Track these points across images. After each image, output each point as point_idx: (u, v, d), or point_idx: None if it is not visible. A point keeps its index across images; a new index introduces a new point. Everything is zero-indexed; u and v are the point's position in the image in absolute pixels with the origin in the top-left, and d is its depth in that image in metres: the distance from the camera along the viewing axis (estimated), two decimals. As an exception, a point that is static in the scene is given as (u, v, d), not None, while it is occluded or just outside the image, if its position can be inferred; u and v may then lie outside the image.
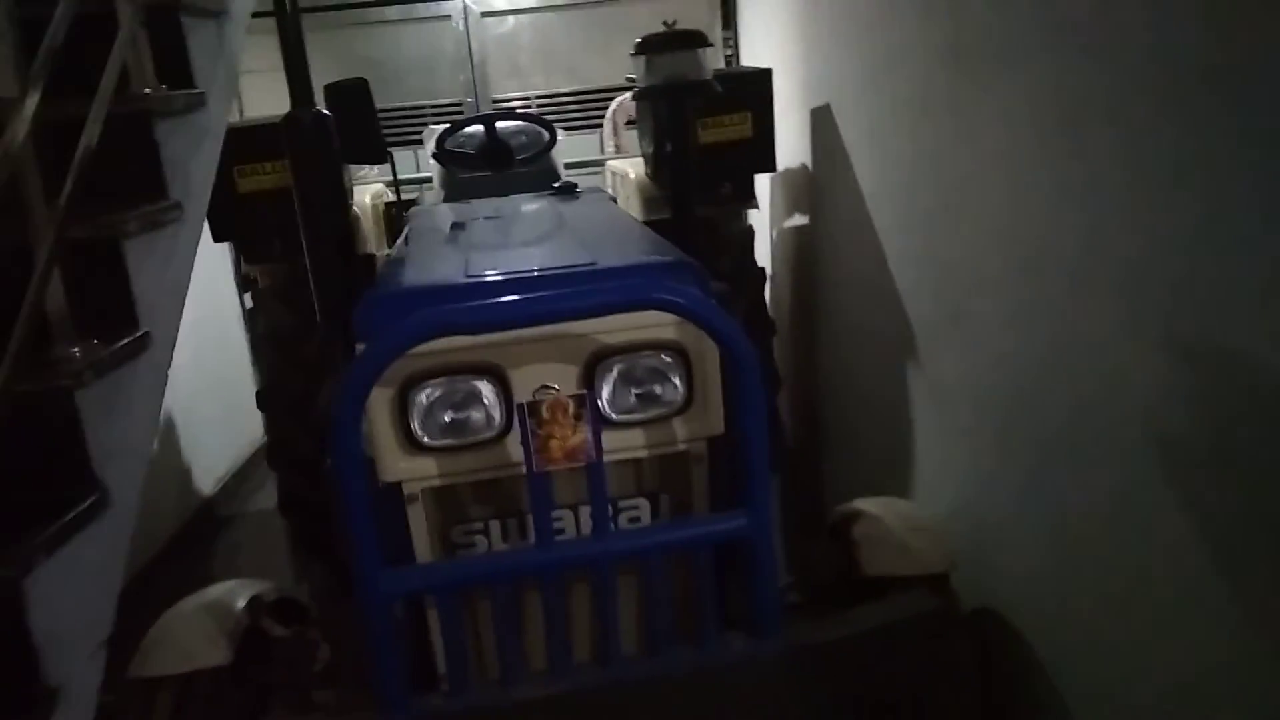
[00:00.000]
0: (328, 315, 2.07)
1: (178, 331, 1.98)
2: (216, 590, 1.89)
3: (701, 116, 2.94)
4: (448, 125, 3.27)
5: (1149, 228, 1.41)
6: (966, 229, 2.04)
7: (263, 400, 3.32)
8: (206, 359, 4.39)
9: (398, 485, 1.64)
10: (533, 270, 1.69)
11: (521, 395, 1.55)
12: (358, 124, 2.22)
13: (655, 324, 1.62)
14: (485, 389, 1.61)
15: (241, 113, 4.48)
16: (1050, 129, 1.67)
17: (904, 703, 1.82)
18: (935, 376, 2.31)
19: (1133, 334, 1.46)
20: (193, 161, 2.07)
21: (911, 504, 2.27)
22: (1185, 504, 1.39)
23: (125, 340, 1.76)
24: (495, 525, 1.72)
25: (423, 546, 1.68)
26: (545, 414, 1.43)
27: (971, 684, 1.83)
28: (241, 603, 1.83)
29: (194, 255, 2.08)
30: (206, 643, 1.73)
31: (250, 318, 3.71)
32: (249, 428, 4.36)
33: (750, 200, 3.29)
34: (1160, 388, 1.41)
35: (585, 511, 1.70)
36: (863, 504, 2.08)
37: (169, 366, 1.92)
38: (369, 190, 3.52)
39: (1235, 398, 1.27)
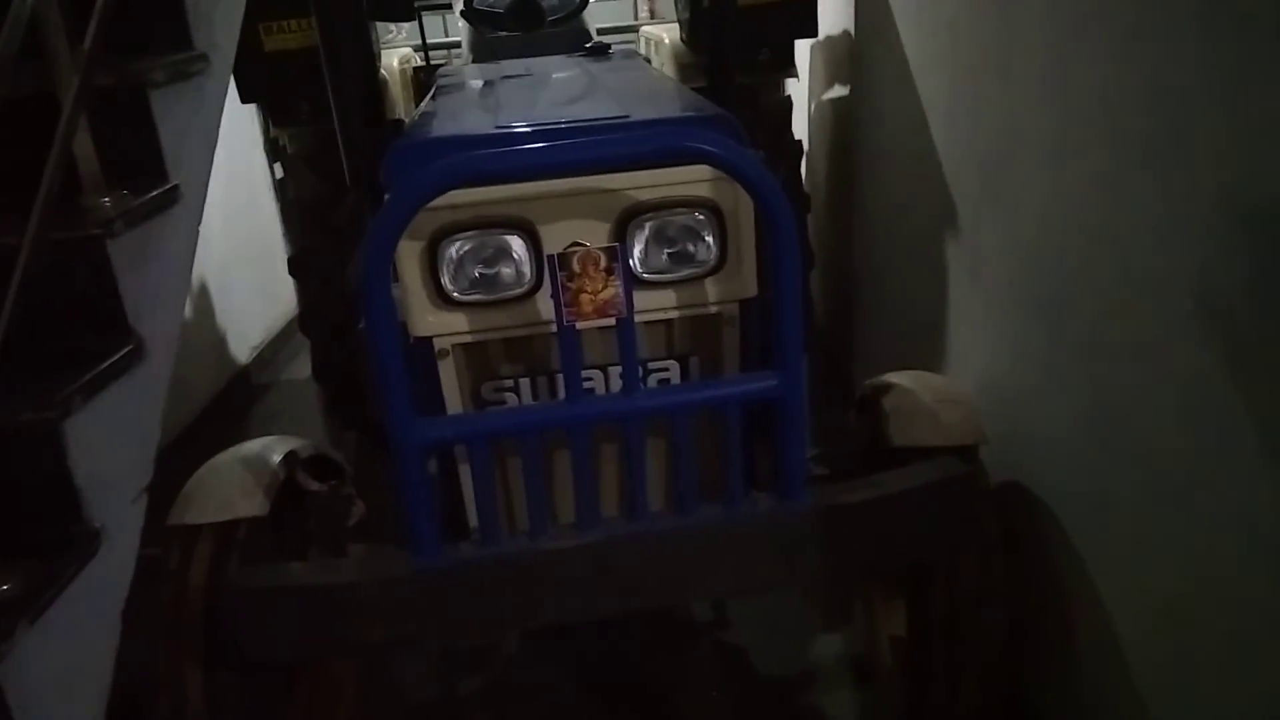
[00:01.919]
0: (356, 178, 2.05)
1: (207, 186, 1.96)
2: (253, 445, 1.92)
3: (741, -26, 2.81)
4: (477, -17, 3.17)
5: (1208, 89, 1.33)
6: (1014, 95, 1.96)
7: (294, 267, 3.33)
8: (238, 226, 4.39)
9: (428, 341, 1.64)
10: (564, 121, 1.65)
11: (552, 251, 1.53)
12: None
13: (689, 180, 1.58)
14: (516, 244, 1.59)
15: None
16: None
17: (928, 567, 1.85)
18: (974, 250, 2.26)
19: (1187, 201, 1.40)
20: (217, 12, 2.01)
21: (943, 377, 2.25)
22: (1232, 378, 1.34)
23: (155, 191, 1.75)
24: (525, 384, 1.73)
25: (454, 402, 1.69)
26: (576, 267, 1.41)
27: (996, 553, 1.84)
28: (277, 457, 1.86)
29: (221, 110, 2.05)
30: (243, 494, 1.77)
31: (280, 185, 3.69)
32: (283, 296, 4.39)
33: (790, 68, 3.18)
34: (1212, 258, 1.36)
35: (615, 373, 1.69)
36: (893, 377, 2.06)
37: (199, 222, 1.92)
38: (396, 54, 3.44)
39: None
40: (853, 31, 3.19)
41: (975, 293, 2.29)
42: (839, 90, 3.45)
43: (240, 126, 4.41)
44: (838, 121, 3.50)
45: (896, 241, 2.91)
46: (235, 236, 4.34)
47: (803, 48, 3.57)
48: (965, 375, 2.34)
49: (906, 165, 2.68)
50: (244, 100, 3.04)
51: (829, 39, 3.44)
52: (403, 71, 3.39)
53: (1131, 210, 1.56)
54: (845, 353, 3.60)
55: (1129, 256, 1.58)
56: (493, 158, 1.42)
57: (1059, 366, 1.87)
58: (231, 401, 4.19)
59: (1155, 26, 1.45)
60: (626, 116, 1.65)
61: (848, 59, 3.29)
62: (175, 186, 1.80)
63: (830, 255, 3.64)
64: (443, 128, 1.83)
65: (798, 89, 3.65)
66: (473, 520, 1.72)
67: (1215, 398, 1.37)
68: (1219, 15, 1.30)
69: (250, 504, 1.74)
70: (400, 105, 3.28)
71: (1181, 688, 1.54)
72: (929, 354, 2.54)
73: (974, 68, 2.17)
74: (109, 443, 1.58)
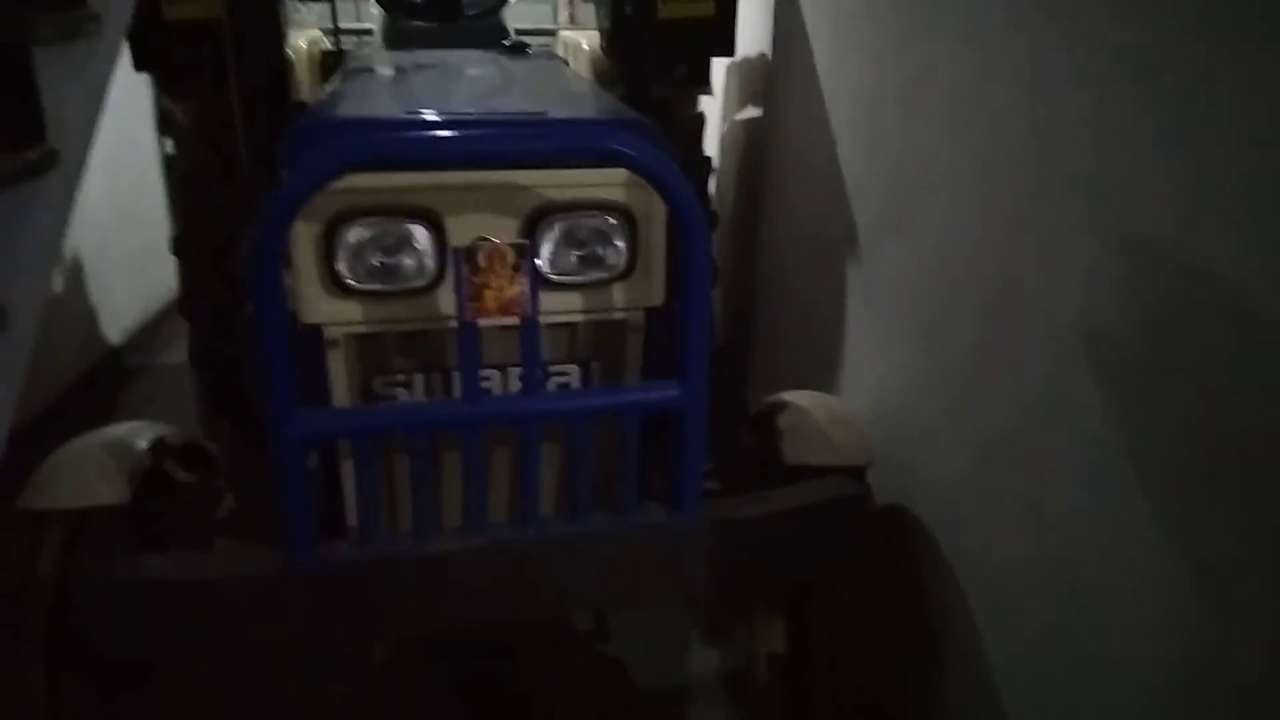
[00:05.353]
0: (254, 157, 1.96)
1: (89, 154, 1.84)
2: (118, 429, 1.81)
3: (663, -12, 2.81)
4: (393, -32, 3.08)
5: (1105, 130, 1.39)
6: (922, 125, 2.00)
7: (178, 246, 3.16)
8: (120, 199, 4.15)
9: (318, 329, 1.57)
10: (478, 113, 1.60)
11: (457, 244, 1.49)
12: None
13: (603, 183, 1.56)
14: (419, 233, 1.53)
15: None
16: (1011, 29, 1.62)
17: (809, 586, 1.86)
18: (874, 276, 2.30)
19: (1083, 238, 1.45)
20: (113, -31, 1.90)
21: (837, 398, 2.28)
22: (1116, 410, 1.39)
23: (30, 153, 1.63)
24: (419, 379, 1.67)
25: (341, 395, 1.62)
26: (482, 262, 1.37)
27: (878, 574, 1.87)
28: (144, 443, 1.76)
29: (111, 75, 1.93)
30: (103, 480, 1.66)
31: (168, 160, 3.51)
32: (162, 276, 4.17)
33: (705, 85, 3.19)
34: (1102, 293, 1.41)
35: (514, 374, 1.65)
36: (788, 396, 2.08)
37: (78, 189, 1.79)
38: (305, 35, 3.32)
39: (1175, 304, 1.27)
40: (769, 54, 3.23)
41: (870, 316, 2.33)
42: (751, 111, 3.48)
43: (130, 96, 4.19)
44: (748, 141, 3.54)
45: (798, 263, 2.95)
46: (117, 208, 4.11)
47: (718, 66, 3.60)
48: (858, 396, 2.37)
49: (812, 188, 2.72)
50: (138, 68, 2.87)
51: (745, 59, 3.48)
52: (310, 54, 3.26)
53: (1026, 248, 1.60)
54: (742, 370, 3.63)
55: (1013, 284, 1.62)
56: (402, 141, 1.37)
57: (947, 393, 1.91)
58: (100, 383, 3.96)
59: (1050, 75, 1.50)
60: (544, 113, 1.62)
61: (762, 80, 3.33)
62: (54, 151, 1.68)
63: (733, 273, 3.67)
64: (349, 109, 1.76)
65: (711, 106, 3.68)
66: (352, 520, 1.65)
67: (1092, 424, 1.42)
68: (1101, 64, 1.36)
69: (110, 491, 1.64)
70: (305, 87, 3.16)
71: (1043, 710, 1.58)
72: (825, 374, 2.57)
73: (882, 95, 2.22)
74: (-44, 418, 1.46)
